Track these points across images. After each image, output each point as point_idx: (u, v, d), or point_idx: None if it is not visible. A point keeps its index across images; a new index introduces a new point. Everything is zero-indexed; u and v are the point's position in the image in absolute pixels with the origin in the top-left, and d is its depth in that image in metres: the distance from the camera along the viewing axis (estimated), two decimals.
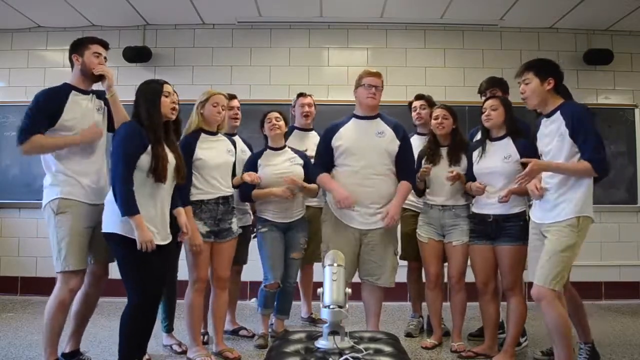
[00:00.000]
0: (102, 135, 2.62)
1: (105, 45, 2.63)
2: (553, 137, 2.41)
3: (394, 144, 2.94)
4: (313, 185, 3.10)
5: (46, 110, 2.45)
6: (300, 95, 3.62)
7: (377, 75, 2.96)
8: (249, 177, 2.97)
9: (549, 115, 2.45)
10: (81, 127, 2.52)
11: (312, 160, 3.21)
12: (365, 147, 2.92)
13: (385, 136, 2.95)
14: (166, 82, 2.50)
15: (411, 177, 3.00)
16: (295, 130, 3.58)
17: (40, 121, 2.45)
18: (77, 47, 2.58)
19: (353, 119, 3.02)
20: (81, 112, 2.54)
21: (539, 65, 2.45)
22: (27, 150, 2.47)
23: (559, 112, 2.38)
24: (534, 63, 2.48)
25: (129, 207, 2.26)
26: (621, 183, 4.68)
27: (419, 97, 3.53)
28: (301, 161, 3.19)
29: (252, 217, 3.32)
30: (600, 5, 4.29)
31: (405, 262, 3.44)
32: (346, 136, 2.96)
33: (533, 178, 2.45)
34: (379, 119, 3.00)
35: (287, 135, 3.38)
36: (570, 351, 2.36)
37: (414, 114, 3.51)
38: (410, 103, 3.58)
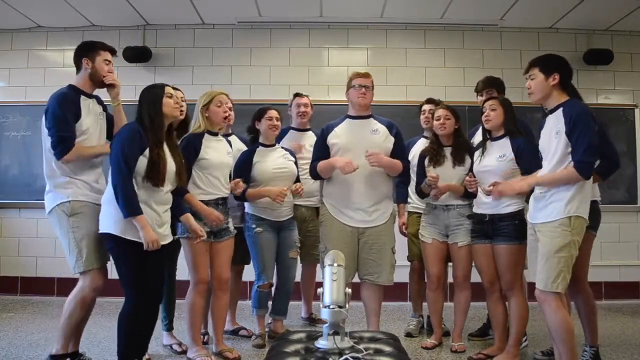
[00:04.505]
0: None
1: (114, 53, 2.67)
2: (550, 134, 2.38)
3: (389, 142, 3.00)
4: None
5: (71, 114, 2.47)
6: (297, 95, 3.61)
7: (366, 75, 3.03)
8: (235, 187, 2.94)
9: (551, 112, 2.42)
10: (93, 130, 2.58)
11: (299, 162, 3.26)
12: (360, 144, 2.95)
13: (379, 133, 2.99)
14: (167, 85, 2.51)
15: (405, 163, 3.03)
16: (291, 131, 3.57)
17: (72, 126, 2.47)
18: (89, 51, 2.58)
19: (347, 119, 3.08)
20: (93, 116, 2.58)
21: (544, 60, 2.43)
22: (70, 159, 2.47)
23: (561, 109, 2.35)
24: (540, 58, 2.45)
25: (132, 208, 2.28)
26: (621, 183, 4.67)
27: (429, 101, 3.51)
28: (293, 158, 3.22)
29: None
30: (600, 5, 4.29)
31: (406, 262, 3.45)
32: (341, 135, 3.01)
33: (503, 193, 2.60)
34: (371, 119, 3.06)
35: (282, 136, 3.39)
36: (573, 355, 2.31)
37: (422, 117, 3.49)
38: (421, 105, 3.55)
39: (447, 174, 3.02)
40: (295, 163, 3.22)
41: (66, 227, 2.48)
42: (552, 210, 2.32)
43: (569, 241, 2.27)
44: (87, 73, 2.58)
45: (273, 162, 3.12)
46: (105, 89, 2.65)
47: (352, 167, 2.81)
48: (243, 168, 3.08)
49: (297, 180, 3.19)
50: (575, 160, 2.25)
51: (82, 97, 2.55)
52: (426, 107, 3.49)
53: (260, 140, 3.20)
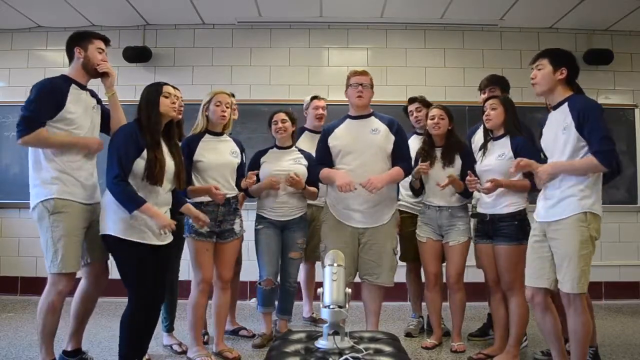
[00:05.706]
0: (101, 147, 2.53)
1: (107, 42, 2.60)
2: (556, 130, 2.35)
3: (389, 141, 2.95)
4: (313, 188, 3.13)
5: (50, 100, 2.37)
6: (315, 97, 3.61)
7: (364, 73, 2.96)
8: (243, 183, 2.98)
9: (555, 107, 2.40)
10: (82, 121, 2.47)
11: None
12: (360, 145, 2.93)
13: (379, 133, 2.95)
14: (166, 84, 2.50)
15: (405, 166, 2.97)
16: (306, 132, 3.58)
17: (45, 111, 2.36)
18: (81, 40, 2.51)
19: (347, 119, 3.04)
20: (83, 107, 2.49)
21: (555, 53, 2.39)
22: (29, 141, 2.35)
23: (566, 104, 2.32)
24: (551, 50, 2.41)
25: (133, 200, 2.28)
26: (621, 183, 4.67)
27: (412, 100, 3.51)
28: (306, 162, 3.20)
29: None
30: (600, 5, 4.29)
31: (404, 263, 3.44)
32: (341, 136, 2.98)
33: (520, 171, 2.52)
34: (372, 117, 3.01)
35: (297, 136, 3.38)
36: (585, 357, 2.29)
37: (411, 118, 3.50)
38: (406, 107, 3.56)
39: (438, 174, 3.03)
40: (308, 167, 3.19)
41: (46, 224, 2.37)
42: (566, 206, 2.27)
43: (587, 237, 2.23)
44: (80, 62, 2.51)
45: (278, 164, 3.14)
46: (100, 81, 2.57)
47: (349, 189, 2.76)
48: (251, 167, 3.16)
49: (308, 184, 3.16)
50: (595, 151, 2.21)
51: (73, 87, 2.46)
52: (412, 107, 3.49)
53: (276, 142, 3.25)
